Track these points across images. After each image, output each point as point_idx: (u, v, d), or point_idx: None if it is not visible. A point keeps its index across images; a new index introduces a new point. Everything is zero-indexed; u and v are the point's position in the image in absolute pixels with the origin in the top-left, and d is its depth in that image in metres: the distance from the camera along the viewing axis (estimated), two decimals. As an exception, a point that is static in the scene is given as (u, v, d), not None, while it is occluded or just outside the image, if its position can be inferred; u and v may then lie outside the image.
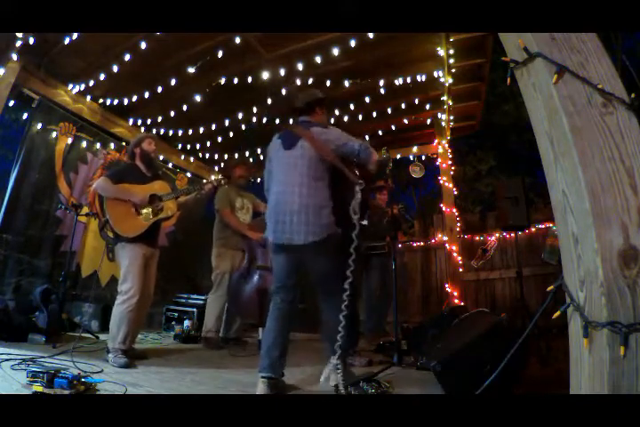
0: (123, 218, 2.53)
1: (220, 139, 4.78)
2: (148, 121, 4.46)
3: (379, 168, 2.14)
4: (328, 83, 3.81)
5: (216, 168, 5.77)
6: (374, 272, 3.86)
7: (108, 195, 2.53)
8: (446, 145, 4.67)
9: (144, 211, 2.61)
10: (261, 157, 4.99)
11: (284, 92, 3.87)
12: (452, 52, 3.46)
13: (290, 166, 2.01)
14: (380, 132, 4.83)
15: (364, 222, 2.04)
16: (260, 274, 3.34)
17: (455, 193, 4.75)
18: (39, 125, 3.58)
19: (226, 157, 3.93)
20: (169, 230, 4.99)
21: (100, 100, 4.10)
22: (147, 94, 3.81)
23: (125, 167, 2.86)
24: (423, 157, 5.05)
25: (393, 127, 4.69)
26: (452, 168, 4.83)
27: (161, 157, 4.60)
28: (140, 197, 2.58)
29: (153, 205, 2.64)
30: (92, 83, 3.72)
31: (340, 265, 1.91)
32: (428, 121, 4.65)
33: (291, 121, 2.24)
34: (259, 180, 5.81)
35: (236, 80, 3.70)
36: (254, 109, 4.20)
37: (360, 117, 4.44)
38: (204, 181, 3.12)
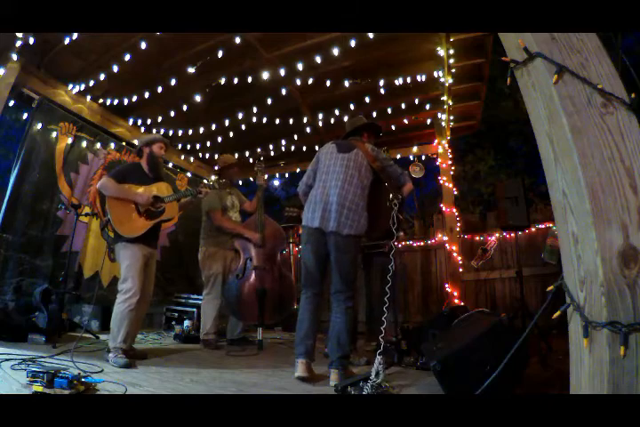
0: (124, 218, 2.53)
1: (219, 139, 4.79)
2: (148, 121, 4.46)
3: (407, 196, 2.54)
4: (328, 83, 3.81)
5: (216, 168, 5.79)
6: (376, 272, 3.86)
7: (111, 194, 2.53)
8: (446, 145, 4.67)
9: (145, 212, 2.60)
10: (261, 158, 5.00)
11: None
12: (452, 52, 3.46)
13: (344, 167, 2.29)
14: (380, 133, 4.82)
15: (401, 234, 2.40)
16: (256, 274, 3.33)
17: (455, 193, 4.76)
18: (39, 125, 3.58)
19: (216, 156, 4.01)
20: (170, 230, 4.99)
21: (100, 100, 4.10)
22: (147, 94, 3.81)
23: (128, 167, 2.83)
24: (423, 157, 5.05)
25: (393, 127, 4.69)
26: (452, 168, 4.83)
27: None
28: (145, 197, 2.58)
29: (155, 207, 2.64)
30: (92, 83, 3.72)
31: (356, 265, 2.25)
32: (428, 121, 4.64)
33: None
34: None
35: (236, 80, 3.70)
36: (254, 109, 4.21)
37: (360, 117, 4.44)
38: (205, 181, 3.12)
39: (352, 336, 2.81)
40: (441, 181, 4.70)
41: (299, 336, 2.14)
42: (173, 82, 3.63)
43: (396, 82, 3.78)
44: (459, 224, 4.70)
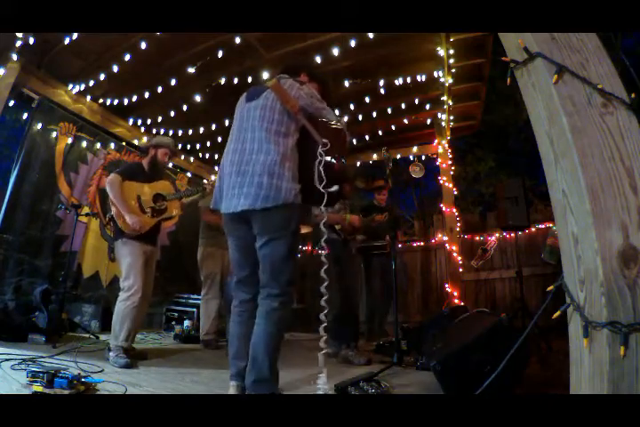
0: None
1: (219, 139, 4.79)
2: (148, 121, 4.47)
3: (342, 144, 1.74)
4: (328, 83, 3.81)
5: (216, 168, 5.79)
6: (375, 272, 3.86)
7: (111, 196, 2.52)
8: (446, 145, 4.67)
9: (148, 209, 2.61)
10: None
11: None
12: (452, 52, 3.46)
13: (247, 119, 1.72)
14: (380, 132, 4.83)
15: (333, 189, 1.59)
16: None
17: (455, 193, 4.76)
18: (39, 125, 3.58)
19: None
20: (170, 230, 4.98)
21: (100, 100, 4.10)
22: (147, 94, 3.81)
23: (132, 166, 2.85)
24: (423, 157, 5.06)
25: (393, 127, 4.69)
26: (452, 168, 4.83)
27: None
28: (133, 222, 2.45)
29: (157, 205, 2.65)
30: (92, 83, 3.73)
31: (296, 248, 1.64)
32: (428, 121, 4.65)
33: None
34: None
35: (236, 80, 3.70)
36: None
37: (360, 117, 4.44)
38: (205, 181, 3.12)
39: (353, 334, 2.76)
40: (441, 181, 4.70)
41: (229, 355, 1.69)
42: (173, 82, 3.64)
43: (396, 82, 3.79)
44: (459, 224, 4.70)
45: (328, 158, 1.60)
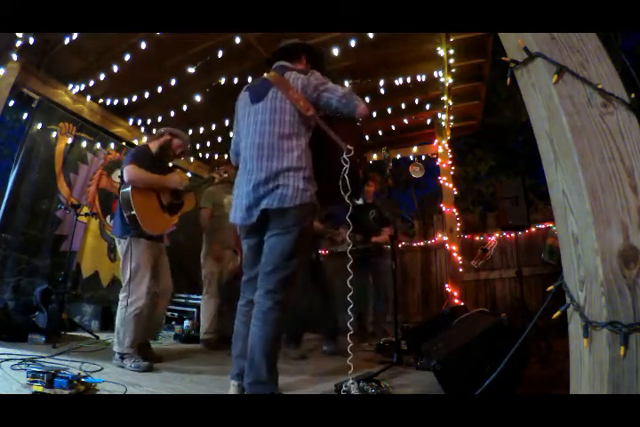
0: (150, 213, 2.29)
1: (219, 139, 4.79)
2: (148, 121, 4.47)
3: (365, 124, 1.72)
4: (328, 83, 3.81)
5: (216, 168, 5.79)
6: (363, 274, 3.84)
7: (144, 185, 2.26)
8: (446, 145, 4.68)
9: (168, 206, 2.43)
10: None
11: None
12: (451, 52, 3.46)
13: (255, 123, 1.65)
14: (380, 132, 4.83)
15: (359, 202, 1.60)
16: None
17: (455, 193, 4.76)
18: (39, 125, 3.58)
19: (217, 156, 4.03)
20: (170, 230, 4.98)
21: (100, 100, 4.10)
22: (147, 94, 3.81)
23: (139, 151, 2.53)
24: (423, 157, 5.06)
25: (393, 127, 4.69)
26: (452, 168, 4.84)
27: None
28: (177, 181, 2.37)
29: (176, 199, 2.49)
30: (92, 83, 3.73)
31: (306, 250, 1.58)
32: (428, 121, 4.65)
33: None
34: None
35: (236, 80, 3.70)
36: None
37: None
38: (215, 172, 3.00)
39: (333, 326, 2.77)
40: (441, 181, 4.71)
41: (233, 354, 1.68)
42: (173, 82, 3.64)
43: (396, 82, 3.79)
44: (459, 224, 4.70)
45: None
